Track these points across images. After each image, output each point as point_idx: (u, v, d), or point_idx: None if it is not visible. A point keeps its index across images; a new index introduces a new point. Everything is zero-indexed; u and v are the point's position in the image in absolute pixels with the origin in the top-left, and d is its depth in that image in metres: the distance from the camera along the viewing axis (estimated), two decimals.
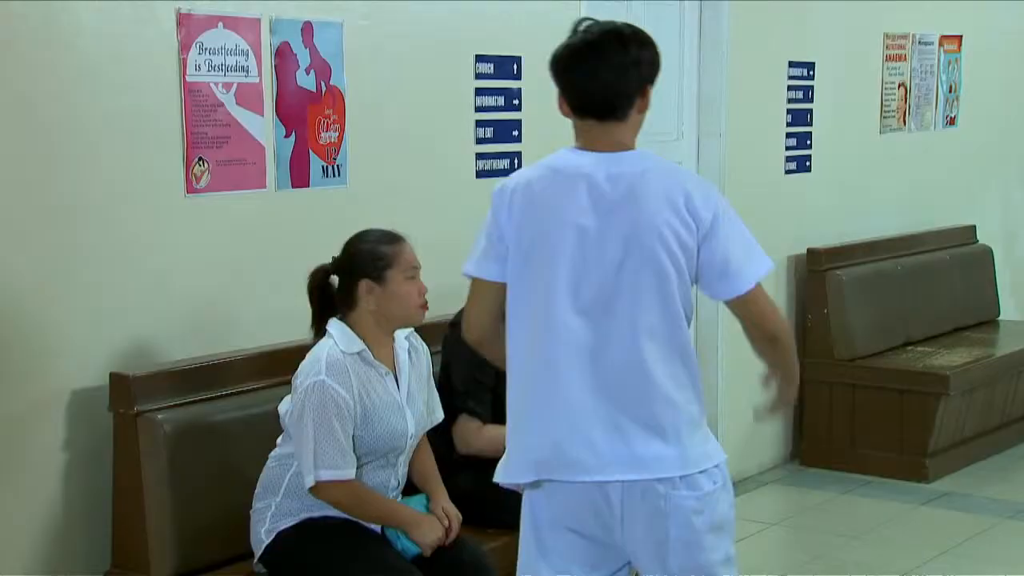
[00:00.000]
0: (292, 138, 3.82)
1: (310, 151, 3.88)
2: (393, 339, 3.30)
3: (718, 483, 2.64)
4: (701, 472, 2.61)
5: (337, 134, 3.95)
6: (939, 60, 6.93)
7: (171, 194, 3.55)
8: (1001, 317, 6.90)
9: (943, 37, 6.93)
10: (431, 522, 3.25)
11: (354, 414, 3.14)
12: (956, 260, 6.65)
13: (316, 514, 3.20)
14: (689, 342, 2.63)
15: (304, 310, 3.88)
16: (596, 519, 2.63)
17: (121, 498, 3.34)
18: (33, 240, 3.29)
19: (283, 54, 3.78)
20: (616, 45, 2.60)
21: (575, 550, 2.66)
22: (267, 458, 3.30)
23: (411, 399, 3.30)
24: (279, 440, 3.29)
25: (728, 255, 2.60)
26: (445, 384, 3.67)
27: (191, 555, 3.33)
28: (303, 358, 3.67)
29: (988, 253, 6.91)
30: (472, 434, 3.65)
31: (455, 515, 3.32)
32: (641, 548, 2.63)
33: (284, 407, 3.26)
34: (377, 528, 3.24)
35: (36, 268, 3.31)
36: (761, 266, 2.65)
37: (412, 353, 3.36)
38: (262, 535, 3.25)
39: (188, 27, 3.53)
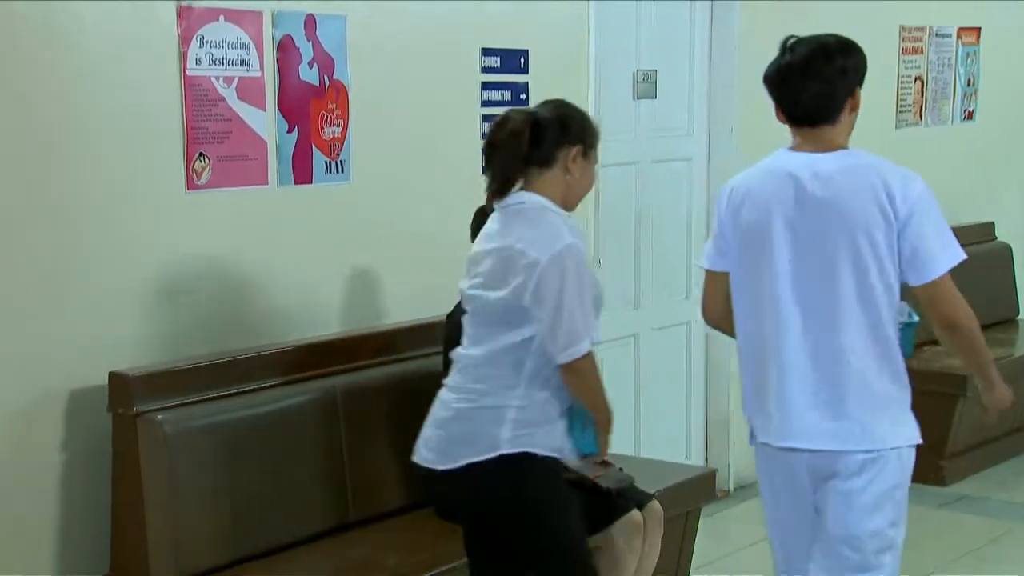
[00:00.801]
0: (294, 133, 3.84)
1: (313, 147, 3.90)
2: None
3: (889, 464, 2.98)
4: (872, 451, 2.96)
5: (340, 129, 3.97)
6: (957, 53, 6.93)
7: (172, 190, 3.57)
8: (1020, 316, 6.91)
9: (961, 29, 6.94)
10: None
11: None
12: (974, 258, 6.50)
13: (564, 458, 3.09)
14: (888, 329, 2.97)
15: (306, 307, 3.91)
16: (798, 481, 3.04)
17: (120, 500, 3.37)
18: (32, 237, 3.31)
19: (285, 48, 3.80)
20: (822, 60, 2.99)
21: (793, 503, 3.08)
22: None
23: None
24: (470, 336, 3.08)
25: (919, 244, 2.92)
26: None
27: (191, 559, 3.35)
28: (307, 357, 3.72)
29: (1007, 251, 6.91)
30: None
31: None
32: (820, 512, 3.03)
33: (475, 290, 3.05)
34: None
35: (34, 265, 3.33)
36: (950, 257, 2.97)
37: None
38: (501, 436, 2.99)
39: (188, 20, 3.55)
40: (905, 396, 3.03)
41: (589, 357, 3.05)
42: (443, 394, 3.16)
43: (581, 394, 3.10)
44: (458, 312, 3.69)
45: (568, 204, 3.17)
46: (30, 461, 3.34)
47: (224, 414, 3.48)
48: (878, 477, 2.97)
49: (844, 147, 3.02)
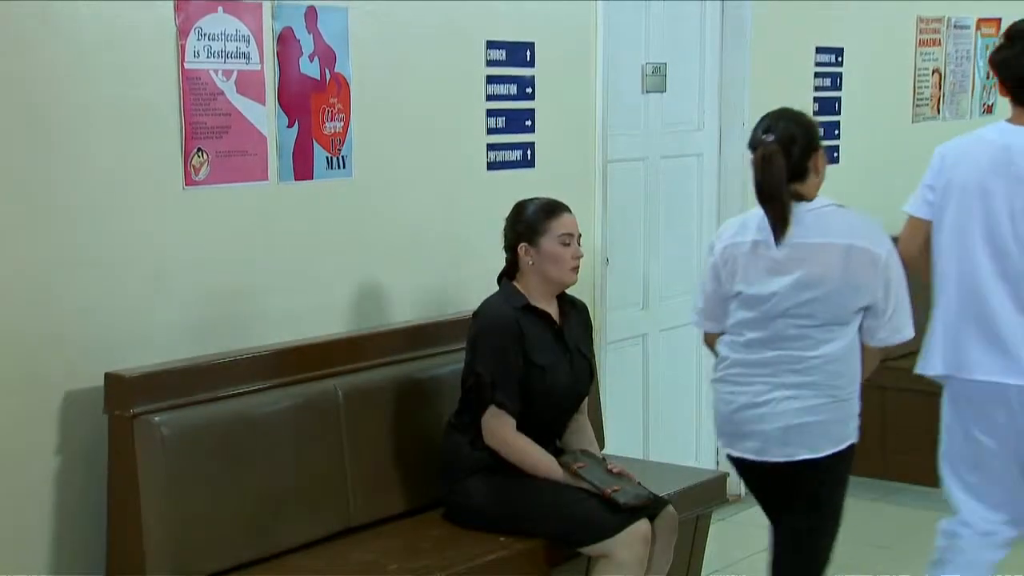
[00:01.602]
0: (295, 128, 3.87)
1: (314, 142, 3.92)
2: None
3: None
4: None
5: (342, 124, 4.00)
6: (976, 44, 6.94)
7: (169, 186, 3.59)
8: None
9: (980, 20, 6.95)
10: None
11: None
12: None
13: None
14: None
15: (307, 306, 3.94)
16: (996, 414, 3.57)
17: (117, 504, 3.38)
18: (24, 234, 3.33)
19: (286, 40, 3.82)
20: None
21: (987, 436, 3.62)
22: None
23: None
24: (807, 336, 3.43)
25: None
26: (471, 375, 3.74)
27: (189, 564, 3.36)
28: (308, 357, 3.74)
29: None
30: (502, 433, 3.70)
31: None
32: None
33: (806, 292, 3.41)
34: None
35: (27, 263, 3.34)
36: None
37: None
38: (851, 427, 3.53)
39: (186, 12, 3.57)
40: None
41: None
42: (789, 392, 3.47)
43: (872, 367, 3.60)
44: (481, 308, 3.74)
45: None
46: (25, 464, 3.35)
47: (223, 416, 3.49)
48: None
49: None
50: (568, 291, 3.92)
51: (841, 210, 3.49)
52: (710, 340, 3.75)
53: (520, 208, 3.82)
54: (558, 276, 3.78)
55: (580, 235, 3.83)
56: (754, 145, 3.48)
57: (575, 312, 3.92)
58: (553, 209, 3.79)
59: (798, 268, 3.42)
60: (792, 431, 3.46)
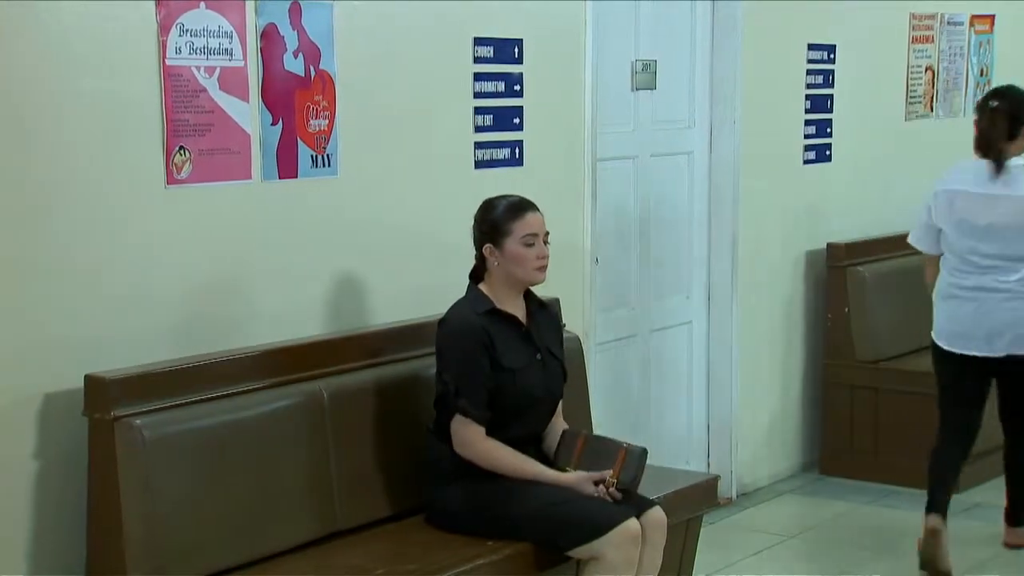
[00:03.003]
0: (279, 126, 3.86)
1: (298, 140, 3.92)
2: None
3: None
4: None
5: (327, 122, 3.99)
6: (969, 41, 6.96)
7: (150, 185, 3.58)
8: None
9: (974, 17, 6.97)
10: None
11: None
12: None
13: None
14: None
15: (291, 307, 3.93)
16: None
17: (97, 508, 3.36)
18: (2, 233, 3.32)
19: (269, 36, 3.81)
20: None
21: None
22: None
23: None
24: (1009, 260, 4.62)
25: None
26: (440, 383, 3.74)
27: (171, 569, 3.35)
28: (292, 359, 3.74)
29: None
30: (471, 440, 3.69)
31: None
32: None
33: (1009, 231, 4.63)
34: None
35: (5, 263, 3.33)
36: None
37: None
38: None
39: (168, 7, 3.56)
40: None
41: None
42: (1006, 306, 4.61)
43: None
44: (449, 314, 3.74)
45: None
46: (3, 466, 3.34)
47: (206, 418, 3.48)
48: None
49: None
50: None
51: None
52: (930, 261, 4.84)
53: (486, 208, 3.81)
54: (524, 276, 3.77)
55: (547, 233, 3.80)
56: (981, 109, 4.72)
57: (543, 312, 3.91)
58: (517, 209, 3.76)
59: (995, 213, 4.57)
60: (1013, 334, 4.60)
